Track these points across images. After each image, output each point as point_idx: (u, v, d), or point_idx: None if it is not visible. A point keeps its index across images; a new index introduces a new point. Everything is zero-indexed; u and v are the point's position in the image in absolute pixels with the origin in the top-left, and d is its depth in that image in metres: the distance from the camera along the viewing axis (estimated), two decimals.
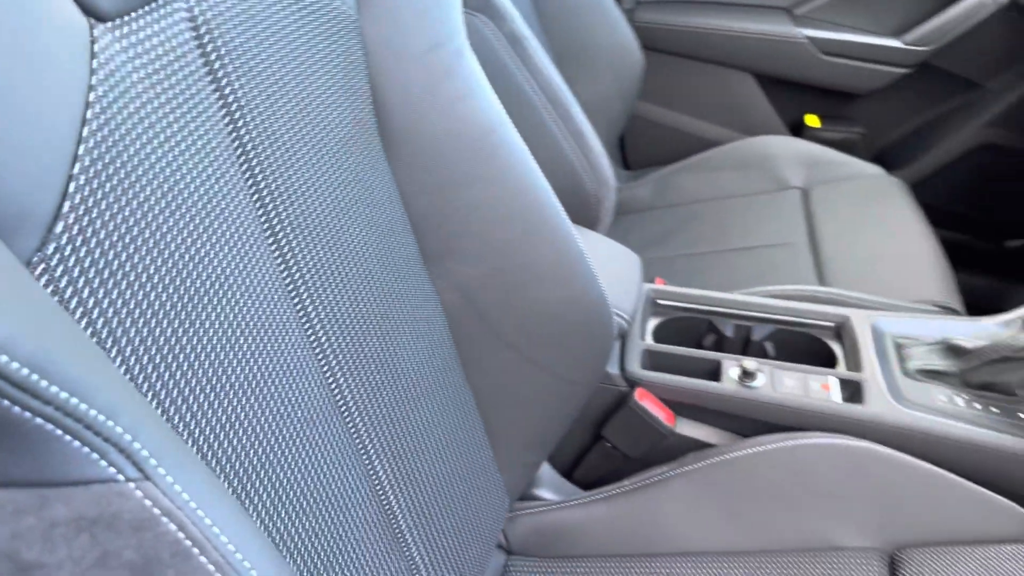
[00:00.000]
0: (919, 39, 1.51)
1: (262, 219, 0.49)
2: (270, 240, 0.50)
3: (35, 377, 0.25)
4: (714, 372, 0.90)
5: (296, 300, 0.52)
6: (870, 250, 1.25)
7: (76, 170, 0.34)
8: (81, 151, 0.34)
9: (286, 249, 0.51)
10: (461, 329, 0.72)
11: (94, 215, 0.35)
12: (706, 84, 1.63)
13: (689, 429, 0.89)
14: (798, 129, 1.65)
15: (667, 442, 0.89)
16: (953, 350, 0.91)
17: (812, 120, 1.64)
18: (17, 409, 0.25)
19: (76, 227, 0.33)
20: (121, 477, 0.27)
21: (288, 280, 0.51)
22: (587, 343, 0.78)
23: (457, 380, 0.72)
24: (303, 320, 0.53)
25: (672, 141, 1.65)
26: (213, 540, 0.29)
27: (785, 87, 1.62)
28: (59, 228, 0.33)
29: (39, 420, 0.25)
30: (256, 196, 0.49)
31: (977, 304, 1.19)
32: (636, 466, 0.90)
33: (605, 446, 0.91)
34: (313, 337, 0.54)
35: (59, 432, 0.26)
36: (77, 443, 0.26)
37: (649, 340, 0.96)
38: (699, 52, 1.60)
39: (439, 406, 0.69)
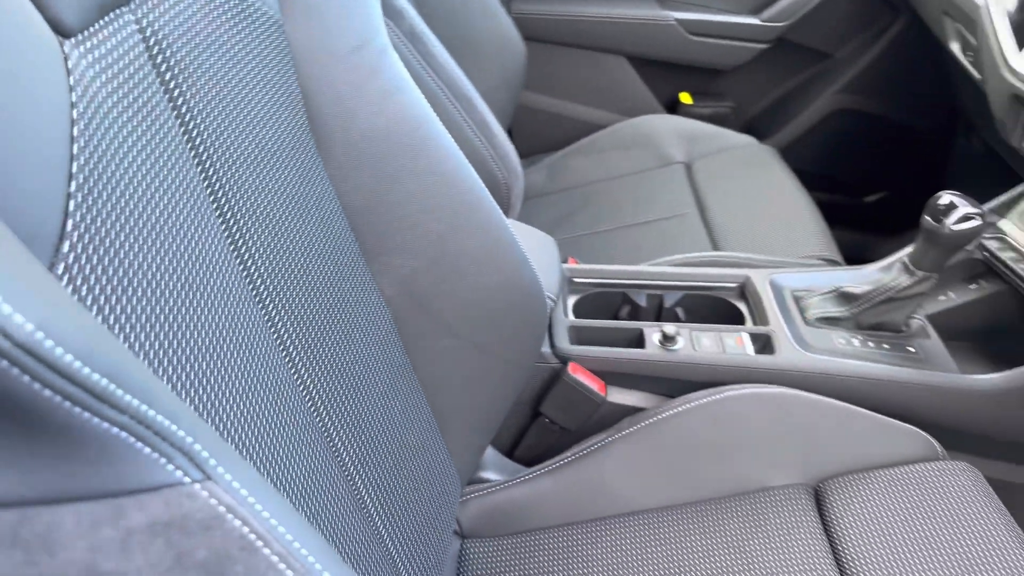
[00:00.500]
0: (775, 16, 1.62)
1: (221, 226, 0.49)
2: (231, 247, 0.50)
3: (112, 387, 0.25)
4: (637, 340, 0.96)
5: (258, 300, 0.52)
6: (754, 214, 1.34)
7: (72, 188, 0.33)
8: (75, 169, 0.34)
9: (246, 255, 0.52)
10: (404, 321, 0.73)
11: (93, 232, 0.34)
12: (585, 70, 1.69)
13: (621, 396, 0.93)
14: (673, 107, 1.74)
15: (601, 411, 0.93)
16: (844, 297, 1.00)
17: (686, 97, 1.73)
18: (96, 420, 0.25)
19: (80, 245, 0.33)
20: (187, 479, 0.28)
21: (249, 282, 0.52)
22: (524, 324, 0.81)
23: (405, 371, 0.73)
24: (265, 318, 0.53)
25: (558, 127, 1.70)
26: (273, 532, 0.30)
27: (659, 68, 1.70)
28: (66, 247, 0.32)
29: (115, 430, 0.25)
30: (214, 201, 0.49)
31: (848, 256, 1.30)
32: (574, 438, 0.94)
33: (544, 422, 0.95)
34: (274, 332, 0.54)
35: (132, 440, 0.26)
36: (148, 449, 0.27)
37: (572, 317, 1.00)
38: (575, 39, 1.66)
39: (391, 398, 0.70)
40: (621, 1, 1.64)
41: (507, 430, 0.98)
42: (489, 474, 0.94)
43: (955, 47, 1.25)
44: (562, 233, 1.36)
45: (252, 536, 0.29)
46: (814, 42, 1.69)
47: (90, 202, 0.34)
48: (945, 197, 0.90)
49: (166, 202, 0.42)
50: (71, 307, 0.26)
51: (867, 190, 1.84)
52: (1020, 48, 1.00)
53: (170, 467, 0.27)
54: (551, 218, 1.43)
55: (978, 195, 0.92)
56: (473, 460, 0.86)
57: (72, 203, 0.33)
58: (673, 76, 1.72)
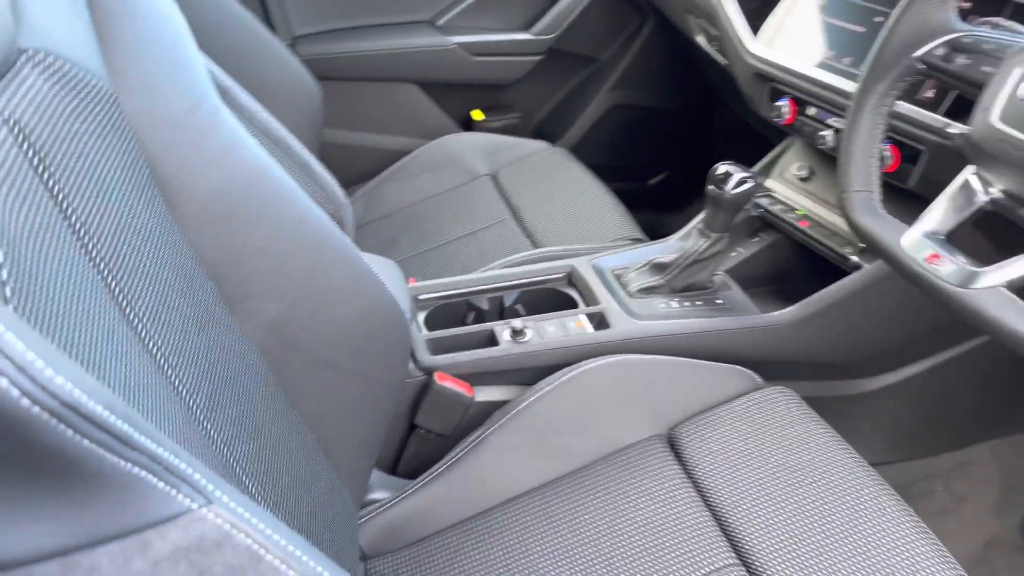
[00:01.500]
0: (543, 30, 1.77)
1: (107, 294, 0.51)
2: (118, 311, 0.52)
3: (130, 429, 0.28)
4: (490, 339, 1.03)
5: (156, 368, 0.54)
6: (563, 209, 1.46)
7: (4, 275, 0.35)
8: (1, 258, 0.36)
9: (132, 318, 0.53)
10: (277, 362, 0.76)
11: (23, 295, 0.36)
12: (380, 101, 1.75)
13: (487, 394, 1.01)
14: (468, 124, 1.84)
15: (471, 412, 1.00)
16: (657, 267, 1.13)
17: (477, 114, 1.84)
18: (122, 463, 0.28)
19: (18, 310, 0.35)
20: (195, 505, 0.31)
21: (135, 335, 0.53)
22: (391, 344, 0.86)
23: (287, 408, 0.76)
24: (160, 371, 0.55)
25: (364, 159, 1.75)
26: (271, 540, 0.33)
27: (448, 90, 1.79)
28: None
29: (136, 469, 0.28)
30: (96, 270, 0.51)
31: (648, 233, 1.45)
32: (451, 442, 1.00)
33: (420, 433, 1.00)
34: (168, 383, 0.56)
35: (150, 477, 0.29)
36: (162, 484, 0.30)
37: (426, 331, 1.06)
38: (365, 73, 1.71)
39: (278, 436, 0.73)
40: (402, 33, 1.72)
41: (387, 448, 1.02)
42: (378, 494, 0.98)
43: (701, 39, 1.44)
44: (393, 258, 1.41)
45: (256, 546, 0.33)
46: (581, 49, 1.85)
47: (19, 290, 0.36)
48: (721, 167, 1.05)
49: (63, 280, 0.44)
50: (78, 365, 0.29)
51: (651, 173, 2.04)
52: (755, 34, 1.19)
53: (180, 497, 0.31)
54: (378, 245, 1.47)
55: (742, 161, 1.08)
56: (362, 483, 0.90)
57: (8, 289, 0.35)
58: (463, 96, 1.82)
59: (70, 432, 0.26)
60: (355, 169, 1.73)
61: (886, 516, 0.84)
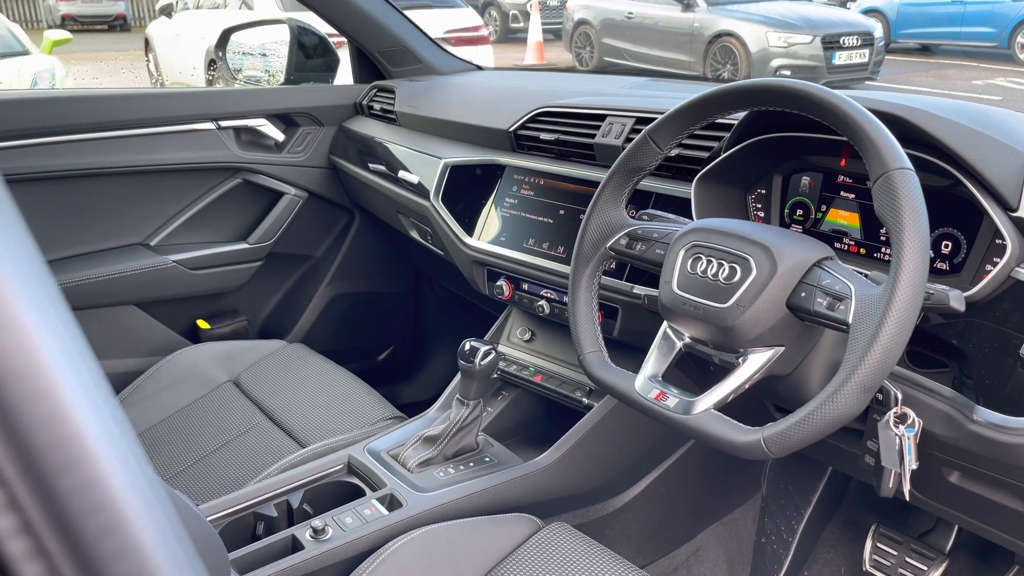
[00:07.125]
0: (260, 237, 1.87)
1: None
2: None
3: None
4: (294, 545, 1.07)
5: None
6: (316, 402, 1.53)
7: None
8: None
9: None
10: None
11: None
12: (100, 328, 1.70)
13: None
14: (195, 335, 1.85)
15: None
16: (428, 440, 1.25)
17: (203, 323, 1.86)
18: None
19: None
20: None
21: None
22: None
23: None
24: None
25: None
26: None
27: (169, 305, 1.80)
28: None
29: None
30: None
31: (399, 407, 1.58)
32: None
33: None
34: None
35: None
36: None
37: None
38: (85, 302, 1.67)
39: None
40: (115, 258, 1.71)
41: None
42: None
43: (414, 233, 1.65)
44: None
45: None
46: (298, 249, 1.98)
47: None
48: (467, 344, 1.22)
49: None
50: None
51: (379, 351, 2.18)
52: (470, 234, 1.41)
53: None
54: None
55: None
56: None
57: None
58: (185, 309, 1.83)
59: None
60: None
61: None
